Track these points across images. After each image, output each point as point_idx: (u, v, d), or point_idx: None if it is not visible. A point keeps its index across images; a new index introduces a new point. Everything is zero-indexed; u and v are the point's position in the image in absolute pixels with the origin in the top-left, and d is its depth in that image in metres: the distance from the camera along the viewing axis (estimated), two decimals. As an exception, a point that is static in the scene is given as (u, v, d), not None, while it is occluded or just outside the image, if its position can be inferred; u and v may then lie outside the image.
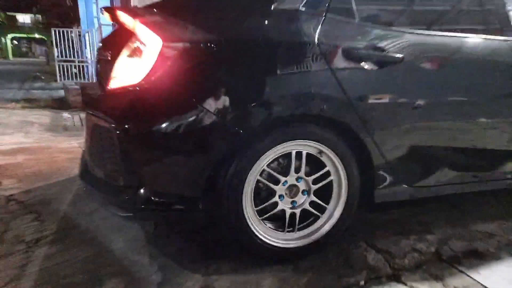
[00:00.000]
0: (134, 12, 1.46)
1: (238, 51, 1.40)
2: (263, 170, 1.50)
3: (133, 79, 1.37)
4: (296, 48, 1.43)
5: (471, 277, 1.55)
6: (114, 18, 1.59)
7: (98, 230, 1.86)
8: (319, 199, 1.60)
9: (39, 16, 40.91)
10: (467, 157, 1.87)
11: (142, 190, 1.40)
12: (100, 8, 1.76)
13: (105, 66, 1.66)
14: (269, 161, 1.49)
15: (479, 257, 1.70)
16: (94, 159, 1.63)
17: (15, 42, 41.83)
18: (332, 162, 1.57)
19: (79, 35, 11.07)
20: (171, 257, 1.63)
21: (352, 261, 1.64)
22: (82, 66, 10.82)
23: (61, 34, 10.23)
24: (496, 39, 1.77)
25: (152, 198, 1.41)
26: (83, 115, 5.19)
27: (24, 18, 42.98)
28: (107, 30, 8.32)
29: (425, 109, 1.62)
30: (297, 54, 1.43)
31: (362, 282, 1.50)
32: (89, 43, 10.04)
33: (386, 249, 1.73)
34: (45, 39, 41.74)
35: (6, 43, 39.47)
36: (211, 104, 1.33)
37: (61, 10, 20.20)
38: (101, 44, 1.94)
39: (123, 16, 1.46)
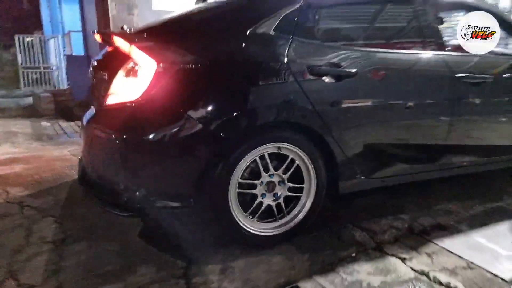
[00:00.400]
0: (128, 37, 1.69)
1: (220, 70, 1.67)
2: (243, 175, 1.74)
3: (130, 96, 1.61)
4: (268, 66, 1.71)
5: (437, 244, 1.91)
6: (107, 41, 1.83)
7: (116, 227, 2.06)
8: (292, 192, 1.87)
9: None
10: (413, 152, 2.20)
11: (139, 191, 1.64)
12: (92, 31, 1.98)
13: (101, 84, 1.88)
14: (248, 163, 1.73)
15: (443, 229, 2.08)
16: (94, 166, 1.85)
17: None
18: (302, 159, 1.83)
19: (41, 42, 10.76)
20: (189, 246, 1.87)
21: (343, 239, 1.96)
22: (45, 72, 10.59)
23: (22, 40, 9.97)
24: (428, 53, 2.14)
25: (149, 198, 1.65)
26: (62, 123, 5.22)
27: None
28: (77, 37, 8.25)
29: (374, 113, 1.96)
30: (270, 71, 1.71)
31: (353, 254, 1.82)
32: (55, 50, 9.86)
33: (369, 228, 2.07)
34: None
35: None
36: (199, 116, 1.59)
37: (18, 14, 19.36)
38: (95, 63, 2.13)
39: (118, 41, 1.69)
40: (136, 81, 1.61)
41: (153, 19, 4.33)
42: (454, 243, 1.93)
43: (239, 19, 1.81)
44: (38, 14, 14.49)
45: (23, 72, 10.13)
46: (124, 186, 1.67)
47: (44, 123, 5.24)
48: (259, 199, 1.81)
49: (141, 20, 5.26)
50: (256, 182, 1.79)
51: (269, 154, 1.78)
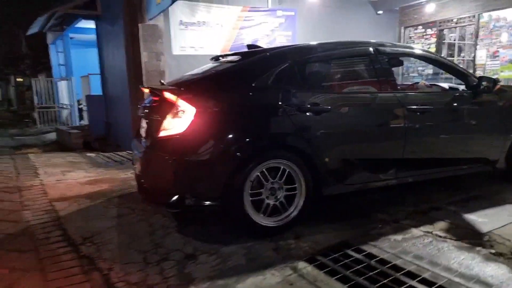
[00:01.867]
0: (173, 91, 2.48)
1: (235, 111, 2.50)
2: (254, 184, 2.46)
3: (177, 131, 2.40)
4: (269, 108, 2.55)
5: (435, 217, 2.82)
6: (155, 93, 2.73)
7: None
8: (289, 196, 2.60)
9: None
10: (374, 165, 2.91)
11: (183, 195, 2.41)
12: (139, 86, 2.84)
13: (152, 123, 2.69)
14: (257, 173, 2.45)
15: (438, 209, 2.99)
16: (150, 179, 2.67)
17: None
18: (294, 170, 2.56)
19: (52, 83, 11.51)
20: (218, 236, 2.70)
21: (371, 219, 2.85)
22: (55, 111, 11.32)
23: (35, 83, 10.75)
24: (383, 92, 2.93)
25: (191, 199, 2.43)
26: (105, 154, 5.97)
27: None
28: (95, 79, 9.07)
29: (344, 137, 2.75)
30: (270, 111, 2.54)
31: (380, 226, 2.71)
32: (68, 90, 10.62)
33: (387, 211, 2.96)
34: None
35: None
36: (222, 143, 2.40)
37: (20, 59, 20.16)
38: (143, 107, 2.98)
39: (167, 94, 2.49)
40: (181, 120, 2.40)
41: (174, 62, 5.76)
42: (446, 216, 2.84)
43: (247, 74, 2.65)
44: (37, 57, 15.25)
45: (38, 111, 10.83)
46: (174, 192, 2.42)
47: (89, 154, 5.99)
48: (266, 201, 2.53)
49: (166, 64, 6.21)
50: (261, 190, 2.51)
51: (270, 168, 2.52)
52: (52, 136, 9.16)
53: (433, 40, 8.84)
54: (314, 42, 2.96)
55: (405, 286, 1.95)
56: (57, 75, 12.03)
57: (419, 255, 2.26)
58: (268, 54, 2.84)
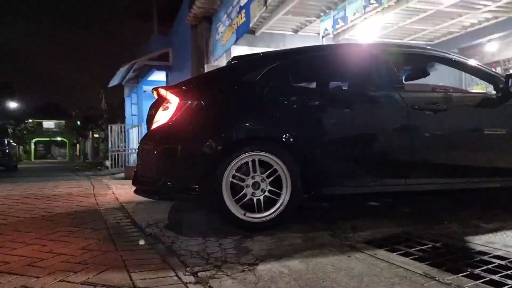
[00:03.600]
0: (166, 87, 2.61)
1: (219, 103, 2.56)
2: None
3: (163, 121, 2.49)
4: (255, 102, 2.58)
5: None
6: (157, 93, 2.75)
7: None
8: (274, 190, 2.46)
9: (62, 122, 44.70)
10: (376, 167, 2.67)
11: (165, 183, 2.43)
12: (152, 89, 2.85)
13: (151, 117, 2.74)
14: (238, 165, 2.39)
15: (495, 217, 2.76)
16: (141, 168, 2.70)
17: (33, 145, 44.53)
18: (279, 166, 2.44)
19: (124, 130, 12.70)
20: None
21: (437, 218, 2.70)
22: (125, 155, 12.33)
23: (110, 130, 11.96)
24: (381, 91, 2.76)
25: (171, 187, 2.43)
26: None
27: (48, 123, 46.66)
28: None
29: (336, 135, 2.63)
30: (256, 105, 2.57)
31: (445, 222, 2.55)
32: (139, 136, 11.63)
33: (455, 214, 2.79)
34: (66, 141, 44.57)
35: (30, 146, 42.12)
36: (203, 133, 2.43)
37: (97, 113, 22.70)
38: (151, 107, 3.02)
39: (162, 90, 2.59)
40: (168, 112, 2.49)
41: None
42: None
43: (237, 71, 2.76)
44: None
45: (111, 154, 11.90)
46: (157, 179, 2.47)
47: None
48: (248, 196, 2.43)
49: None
50: (247, 178, 2.43)
51: (257, 162, 2.44)
52: (121, 175, 9.91)
53: (498, 79, 8.51)
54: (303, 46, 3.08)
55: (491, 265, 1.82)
56: (129, 124, 13.34)
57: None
58: (261, 54, 2.94)
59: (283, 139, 2.48)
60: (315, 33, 7.27)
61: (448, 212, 2.94)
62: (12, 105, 30.46)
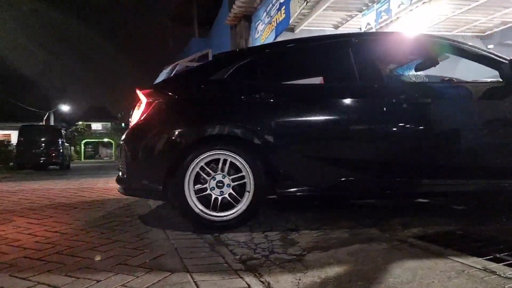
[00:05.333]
0: (140, 87, 2.58)
1: (188, 103, 2.56)
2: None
3: (135, 121, 2.54)
4: (221, 100, 2.55)
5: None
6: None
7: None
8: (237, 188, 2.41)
9: (108, 123, 47.21)
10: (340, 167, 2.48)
11: (133, 179, 2.53)
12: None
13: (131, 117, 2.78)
14: (204, 162, 2.36)
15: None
16: (120, 167, 2.73)
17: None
18: (242, 164, 2.38)
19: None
20: (318, 220, 2.62)
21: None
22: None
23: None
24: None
25: (137, 184, 2.51)
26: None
27: (96, 125, 49.45)
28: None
29: (301, 132, 2.47)
30: (222, 102, 2.54)
31: (504, 219, 2.41)
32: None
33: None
34: (112, 142, 46.96)
35: (80, 147, 44.84)
36: (169, 130, 2.43)
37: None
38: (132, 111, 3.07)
39: (137, 90, 2.59)
40: (139, 112, 2.54)
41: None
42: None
43: (207, 70, 2.75)
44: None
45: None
46: (128, 176, 2.55)
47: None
48: (213, 195, 2.38)
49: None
50: (209, 177, 2.39)
51: (218, 161, 2.40)
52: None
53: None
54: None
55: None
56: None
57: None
58: (237, 50, 2.93)
59: (245, 138, 2.41)
60: (356, 28, 7.12)
61: (508, 210, 2.77)
62: (65, 108, 32.49)
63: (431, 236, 2.11)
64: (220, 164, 2.40)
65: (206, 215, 2.36)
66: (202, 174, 2.39)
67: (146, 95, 2.53)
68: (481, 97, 2.54)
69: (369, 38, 2.88)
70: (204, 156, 2.37)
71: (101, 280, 1.55)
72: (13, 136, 21.11)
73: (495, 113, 2.54)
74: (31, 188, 5.59)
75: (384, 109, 2.46)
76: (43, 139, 13.36)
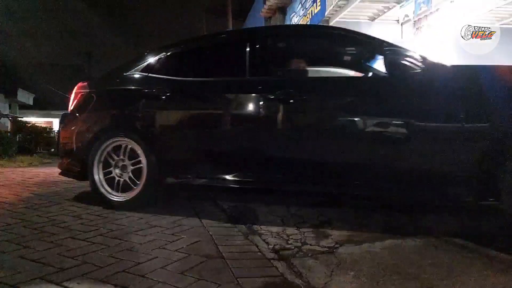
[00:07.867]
0: (82, 81, 3.12)
1: (101, 96, 2.90)
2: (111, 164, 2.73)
3: (68, 110, 3.04)
4: (125, 93, 2.84)
5: None
6: None
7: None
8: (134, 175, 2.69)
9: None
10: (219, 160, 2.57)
11: (63, 163, 3.01)
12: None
13: None
14: (110, 148, 2.73)
15: None
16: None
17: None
18: (137, 148, 2.68)
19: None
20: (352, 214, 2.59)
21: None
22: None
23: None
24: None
25: (65, 166, 2.98)
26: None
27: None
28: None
29: (182, 125, 2.71)
30: (125, 96, 2.83)
31: None
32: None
33: None
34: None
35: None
36: (83, 119, 2.88)
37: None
38: None
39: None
40: (72, 101, 3.02)
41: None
42: None
43: (126, 65, 2.97)
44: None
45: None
46: (59, 158, 3.09)
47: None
48: (116, 178, 2.72)
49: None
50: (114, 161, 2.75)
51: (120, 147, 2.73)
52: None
53: None
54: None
55: None
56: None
57: None
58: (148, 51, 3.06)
59: (140, 129, 2.71)
60: (393, 20, 6.91)
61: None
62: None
63: (468, 235, 2.06)
64: (122, 150, 2.73)
65: (108, 195, 2.73)
66: (109, 159, 2.75)
67: (78, 87, 3.00)
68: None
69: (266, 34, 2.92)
70: (109, 142, 2.74)
71: (142, 263, 1.65)
72: (55, 124, 22.23)
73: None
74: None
75: (260, 103, 2.44)
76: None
